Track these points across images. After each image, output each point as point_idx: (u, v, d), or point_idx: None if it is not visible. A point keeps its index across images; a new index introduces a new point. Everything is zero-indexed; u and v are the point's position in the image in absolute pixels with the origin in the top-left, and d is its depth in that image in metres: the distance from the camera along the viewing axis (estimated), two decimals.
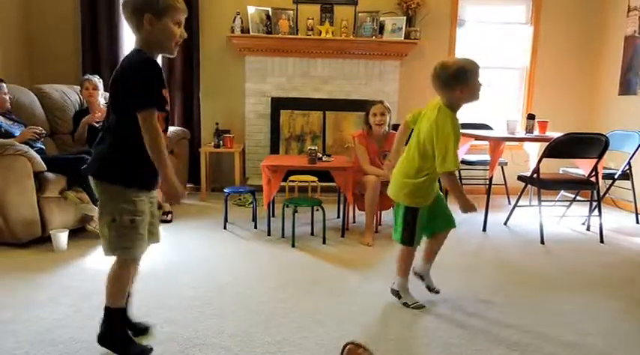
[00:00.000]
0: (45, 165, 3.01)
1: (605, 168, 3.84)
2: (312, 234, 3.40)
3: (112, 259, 1.75)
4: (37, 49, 4.52)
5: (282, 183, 3.51)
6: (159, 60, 1.76)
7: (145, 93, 1.59)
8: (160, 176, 1.67)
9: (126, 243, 1.69)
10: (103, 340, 1.76)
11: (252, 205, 3.73)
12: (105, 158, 1.70)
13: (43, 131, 3.33)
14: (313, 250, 3.08)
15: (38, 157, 3.00)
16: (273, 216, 3.64)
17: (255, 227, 3.55)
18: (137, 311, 1.96)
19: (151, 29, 1.64)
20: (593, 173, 3.50)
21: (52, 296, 2.28)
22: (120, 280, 1.75)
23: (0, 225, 2.92)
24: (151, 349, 1.80)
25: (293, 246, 3.13)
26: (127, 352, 1.75)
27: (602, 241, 3.44)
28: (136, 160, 1.66)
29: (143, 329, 1.92)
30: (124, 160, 1.68)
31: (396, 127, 3.72)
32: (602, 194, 3.68)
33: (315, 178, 3.81)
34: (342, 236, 3.39)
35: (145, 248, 1.75)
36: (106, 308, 1.75)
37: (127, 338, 1.78)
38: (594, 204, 3.66)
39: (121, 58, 4.54)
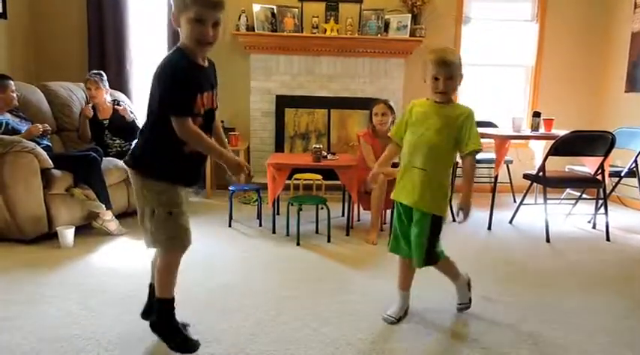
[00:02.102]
0: (52, 162, 3.04)
1: (611, 165, 3.82)
2: (316, 232, 3.41)
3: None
4: (43, 47, 4.54)
5: (287, 181, 3.52)
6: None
7: (173, 99, 1.58)
8: (219, 161, 1.71)
9: (166, 235, 1.70)
10: (154, 327, 1.79)
11: (256, 203, 3.74)
12: (141, 151, 1.74)
13: (49, 128, 3.35)
14: (318, 248, 3.08)
15: (45, 154, 3.02)
16: (278, 213, 3.65)
17: (260, 225, 3.56)
18: (140, 309, 1.96)
19: (180, 31, 1.62)
20: (600, 171, 3.48)
21: (58, 292, 2.30)
22: (167, 271, 1.75)
23: (7, 221, 2.94)
24: (199, 343, 1.80)
25: (298, 244, 3.13)
26: (174, 341, 1.77)
27: (608, 239, 3.42)
28: (169, 156, 1.69)
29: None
30: (158, 155, 1.70)
31: None
32: (608, 192, 3.66)
33: (319, 176, 3.81)
34: (347, 234, 3.39)
35: (188, 239, 1.75)
36: (157, 299, 1.77)
37: (176, 329, 1.79)
38: (600, 202, 3.65)
39: (127, 55, 4.64)
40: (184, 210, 1.74)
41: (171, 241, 1.72)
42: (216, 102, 1.78)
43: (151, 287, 1.90)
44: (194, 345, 1.79)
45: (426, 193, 1.97)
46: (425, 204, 1.98)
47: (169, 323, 1.78)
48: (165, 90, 1.59)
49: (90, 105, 3.76)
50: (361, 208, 3.71)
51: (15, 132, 3.15)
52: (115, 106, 3.80)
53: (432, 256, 2.03)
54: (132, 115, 3.88)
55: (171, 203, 1.70)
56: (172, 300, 1.79)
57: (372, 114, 3.47)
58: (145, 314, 1.92)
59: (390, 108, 3.44)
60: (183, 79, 1.59)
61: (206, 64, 1.72)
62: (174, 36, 4.24)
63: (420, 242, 2.00)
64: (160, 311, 1.78)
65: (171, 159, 1.69)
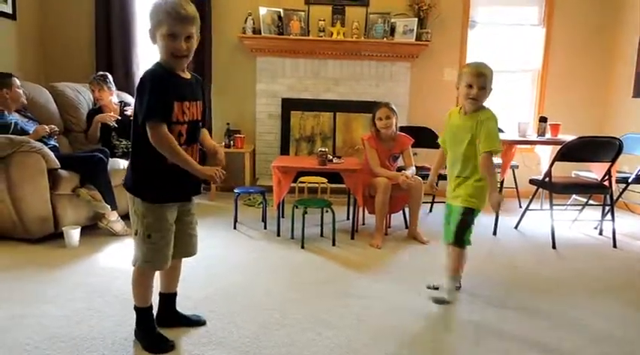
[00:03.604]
0: (58, 163, 3.05)
1: (618, 171, 3.80)
2: (321, 235, 3.40)
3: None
4: (52, 48, 4.58)
5: (292, 184, 3.52)
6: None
7: (146, 105, 1.62)
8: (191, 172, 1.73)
9: (142, 255, 1.77)
10: (135, 334, 1.87)
11: (261, 205, 3.74)
12: (129, 172, 1.79)
13: (56, 129, 3.37)
14: (323, 251, 3.08)
15: (52, 155, 3.04)
16: (283, 216, 3.65)
17: (265, 227, 3.56)
18: None
19: (157, 46, 1.70)
20: (606, 177, 3.46)
21: (63, 292, 2.30)
22: (139, 285, 1.83)
23: (14, 220, 2.96)
24: (173, 344, 1.84)
25: (302, 247, 3.13)
26: (149, 345, 1.82)
27: (615, 246, 3.39)
28: (151, 173, 1.73)
29: (196, 322, 2.02)
30: (141, 173, 1.75)
31: (403, 129, 3.72)
32: (615, 198, 3.64)
33: (324, 179, 3.80)
34: (352, 238, 3.38)
35: (162, 263, 1.79)
36: (134, 308, 1.86)
37: (151, 333, 1.85)
38: (607, 208, 3.62)
39: (134, 57, 4.67)
40: (166, 234, 1.77)
41: (145, 263, 1.78)
42: (201, 115, 1.82)
43: (161, 295, 2.00)
44: (167, 348, 1.83)
45: (460, 190, 2.33)
46: (458, 199, 2.32)
47: (145, 329, 1.86)
48: (140, 98, 1.65)
49: (111, 114, 3.72)
50: (366, 212, 3.70)
51: (23, 132, 3.17)
52: (124, 111, 3.81)
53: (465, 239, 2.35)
54: None
55: (152, 227, 1.74)
56: (150, 309, 1.87)
57: (374, 119, 3.45)
58: (157, 321, 1.94)
59: (392, 110, 3.42)
60: (157, 86, 1.64)
61: (188, 76, 1.78)
62: None
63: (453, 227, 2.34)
64: (138, 319, 1.86)
65: (154, 175, 1.73)
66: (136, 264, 1.80)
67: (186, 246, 1.90)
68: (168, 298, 2.00)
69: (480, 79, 2.21)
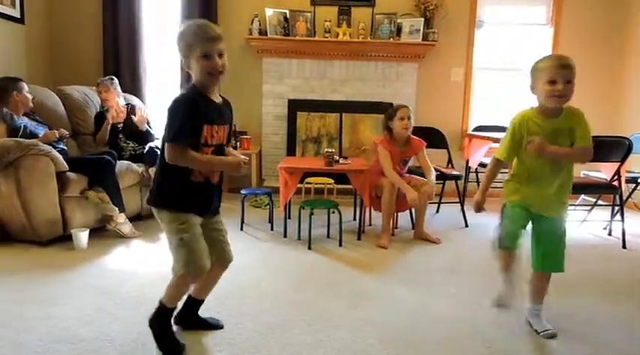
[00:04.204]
0: (67, 165, 3.07)
1: (628, 171, 3.76)
2: (328, 236, 3.40)
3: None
4: (60, 51, 4.62)
5: (299, 185, 3.52)
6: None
7: (174, 128, 1.69)
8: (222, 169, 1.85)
9: (182, 261, 1.79)
10: (150, 322, 1.87)
11: (268, 207, 3.74)
12: (155, 185, 1.85)
13: (66, 133, 3.40)
14: (329, 252, 3.07)
15: (61, 157, 3.06)
16: (290, 217, 3.65)
17: (272, 228, 3.57)
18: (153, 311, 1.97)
19: (191, 71, 1.76)
20: (616, 177, 3.43)
21: (72, 294, 2.32)
22: (176, 288, 1.85)
23: (23, 223, 2.99)
24: (184, 346, 1.86)
25: (309, 248, 3.13)
26: (162, 342, 1.85)
27: (624, 247, 3.36)
28: (177, 185, 1.78)
29: (215, 325, 2.04)
30: (167, 185, 1.80)
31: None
32: (624, 198, 3.60)
33: (331, 180, 3.81)
34: (359, 239, 3.38)
35: (199, 265, 1.79)
36: (160, 302, 1.86)
37: (167, 332, 1.87)
38: (616, 208, 3.59)
39: (142, 60, 4.70)
40: (197, 237, 1.80)
41: (186, 267, 1.78)
42: (228, 138, 1.90)
43: (189, 298, 2.01)
44: (180, 351, 1.85)
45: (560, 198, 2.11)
46: (559, 209, 2.12)
47: (164, 327, 1.87)
48: (169, 119, 1.71)
49: (114, 112, 3.74)
50: (373, 212, 3.69)
51: (32, 135, 3.20)
52: (132, 115, 3.83)
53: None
54: (146, 126, 3.84)
55: (181, 230, 1.77)
56: (173, 310, 1.89)
57: (389, 120, 3.37)
58: (176, 319, 1.99)
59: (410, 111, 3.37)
60: (188, 111, 1.70)
61: (220, 100, 1.84)
62: None
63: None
64: (159, 313, 1.87)
65: (180, 188, 1.78)
66: (177, 273, 1.81)
67: (221, 251, 1.94)
68: (194, 303, 2.02)
69: (566, 71, 1.92)
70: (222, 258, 1.95)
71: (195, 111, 1.71)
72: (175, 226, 1.77)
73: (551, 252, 2.07)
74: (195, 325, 2.02)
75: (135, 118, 3.78)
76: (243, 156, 1.88)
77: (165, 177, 1.80)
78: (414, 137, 3.46)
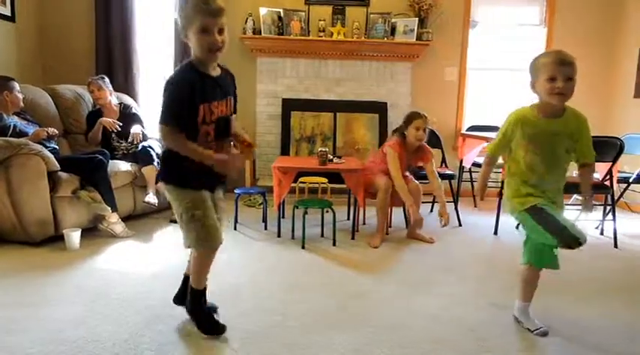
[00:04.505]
0: (58, 165, 3.05)
1: (619, 171, 3.79)
2: (322, 235, 3.40)
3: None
4: (51, 50, 4.57)
5: (293, 185, 3.51)
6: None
7: (165, 109, 1.69)
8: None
9: (194, 236, 1.82)
10: (188, 310, 1.97)
11: (262, 206, 3.74)
12: (163, 163, 1.90)
13: (55, 131, 3.36)
14: (323, 252, 3.07)
15: (52, 157, 3.03)
16: (284, 217, 3.64)
17: (266, 228, 3.56)
18: (149, 312, 1.96)
19: (190, 44, 1.73)
20: (608, 177, 3.45)
21: (64, 294, 2.30)
22: (199, 267, 1.90)
23: (14, 223, 2.96)
24: (225, 327, 1.94)
25: (303, 247, 3.12)
26: (202, 325, 1.93)
27: (616, 246, 3.38)
28: (182, 163, 1.77)
29: (210, 308, 2.06)
30: (173, 163, 1.81)
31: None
32: (616, 198, 3.63)
33: (325, 180, 3.80)
34: (353, 238, 3.38)
35: (216, 238, 1.84)
36: (190, 287, 1.94)
37: (205, 314, 1.96)
38: (608, 208, 3.61)
39: (134, 59, 4.66)
40: (208, 212, 1.82)
41: (200, 242, 1.83)
42: (232, 110, 1.91)
43: (185, 277, 2.07)
44: (221, 329, 1.93)
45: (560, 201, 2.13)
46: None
47: (200, 310, 1.94)
48: (163, 98, 1.70)
49: (115, 123, 3.68)
50: (367, 211, 3.69)
51: (22, 134, 3.17)
52: (125, 113, 3.80)
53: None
54: (142, 143, 3.73)
55: (192, 206, 1.80)
56: (203, 290, 1.95)
57: (405, 125, 3.31)
58: (177, 299, 2.09)
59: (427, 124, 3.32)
60: (180, 93, 1.68)
61: (219, 72, 1.81)
62: (181, 42, 4.25)
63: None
64: (192, 298, 1.94)
65: (184, 165, 1.77)
66: (190, 247, 1.86)
67: None
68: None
69: (566, 68, 1.84)
70: None
71: (189, 93, 1.68)
72: (184, 203, 1.80)
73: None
74: None
75: (130, 138, 3.74)
76: (248, 147, 1.92)
77: (170, 156, 1.81)
78: (427, 146, 3.43)
